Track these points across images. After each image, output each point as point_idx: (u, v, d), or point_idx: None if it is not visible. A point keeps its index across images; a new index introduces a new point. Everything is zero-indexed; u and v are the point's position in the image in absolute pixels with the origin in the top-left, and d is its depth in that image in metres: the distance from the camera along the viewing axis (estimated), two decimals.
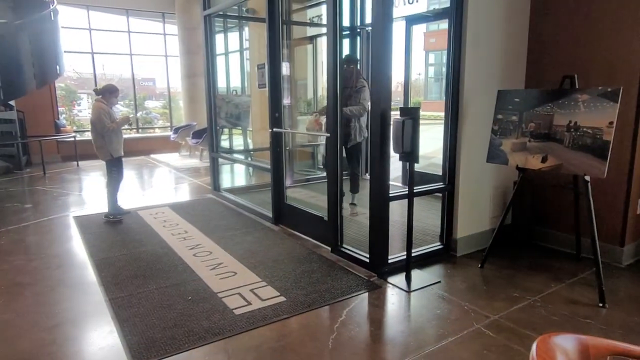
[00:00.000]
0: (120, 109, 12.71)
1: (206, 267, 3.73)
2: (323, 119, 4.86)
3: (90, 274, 3.66)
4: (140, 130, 12.51)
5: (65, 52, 9.23)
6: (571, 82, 3.29)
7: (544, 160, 3.28)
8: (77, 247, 4.34)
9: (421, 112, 3.29)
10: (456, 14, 3.59)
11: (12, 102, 8.75)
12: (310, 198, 6.02)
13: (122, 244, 4.36)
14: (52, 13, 8.42)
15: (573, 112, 3.14)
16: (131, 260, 3.91)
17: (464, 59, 3.63)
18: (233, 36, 10.48)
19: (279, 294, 3.19)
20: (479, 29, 3.66)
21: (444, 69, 3.77)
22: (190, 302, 3.09)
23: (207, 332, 2.68)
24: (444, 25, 4.02)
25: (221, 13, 6.30)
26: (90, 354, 2.54)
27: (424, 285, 3.32)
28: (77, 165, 9.55)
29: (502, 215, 3.68)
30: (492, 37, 3.78)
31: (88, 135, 10.96)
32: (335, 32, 3.70)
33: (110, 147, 5.12)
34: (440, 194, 4.01)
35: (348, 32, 6.80)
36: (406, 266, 3.42)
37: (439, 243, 3.99)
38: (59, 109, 11.27)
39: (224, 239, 4.45)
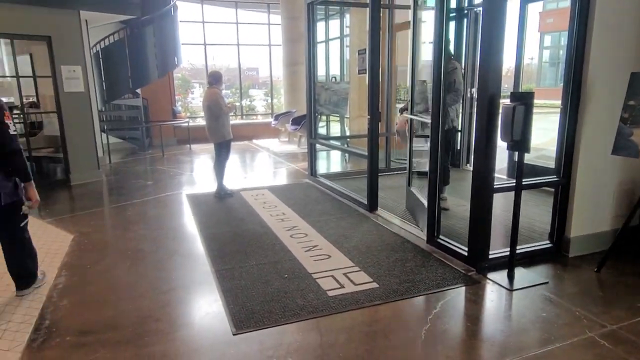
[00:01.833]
0: (227, 96, 13.61)
1: (302, 248, 3.86)
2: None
3: (199, 246, 4.01)
4: (244, 116, 13.29)
5: (182, 44, 10.11)
6: None
7: None
8: (189, 222, 4.77)
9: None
10: None
11: (138, 90, 9.84)
12: (403, 187, 5.89)
13: (226, 221, 4.70)
14: (172, 8, 9.25)
15: None
16: (234, 236, 4.21)
17: (590, 39, 3.22)
18: (333, 24, 10.57)
19: (371, 279, 3.20)
20: (610, 6, 3.21)
21: (562, 52, 3.40)
22: (287, 279, 3.23)
23: (301, 310, 2.79)
24: (563, 3, 3.62)
25: (324, 0, 6.36)
26: (198, 318, 2.80)
27: (529, 284, 3.08)
28: (190, 148, 10.46)
29: (627, 215, 3.24)
30: (624, 14, 3.30)
31: (199, 121, 11.94)
32: (442, 14, 3.53)
33: (224, 130, 5.56)
34: (551, 189, 3.67)
35: (454, 15, 6.46)
36: (509, 262, 3.20)
37: (547, 241, 3.66)
38: (176, 97, 12.43)
39: (319, 222, 4.57)
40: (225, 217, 4.84)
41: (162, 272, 3.49)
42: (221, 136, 5.59)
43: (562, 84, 3.58)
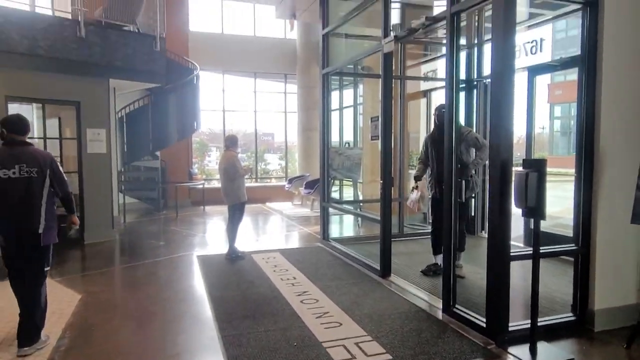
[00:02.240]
0: (243, 160, 13.96)
1: (312, 314, 3.73)
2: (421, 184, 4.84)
3: (207, 309, 3.91)
4: (259, 179, 13.51)
5: (202, 110, 10.58)
6: None
7: None
8: (198, 284, 4.70)
9: (547, 169, 3.03)
10: (589, 61, 3.33)
11: (157, 153, 10.17)
12: (420, 253, 5.78)
13: (236, 284, 4.62)
14: (195, 78, 9.80)
15: None
16: (243, 300, 4.11)
17: (599, 107, 3.29)
18: (347, 93, 11.02)
19: (384, 350, 3.04)
20: (617, 77, 3.32)
21: (572, 122, 3.47)
22: (296, 348, 3.10)
23: None
24: (570, 76, 3.75)
25: (338, 71, 6.69)
26: None
27: None
28: (204, 209, 10.56)
29: None
30: (632, 84, 3.39)
31: (215, 183, 12.15)
32: (452, 85, 3.67)
33: (239, 192, 5.64)
34: (570, 258, 3.56)
35: (464, 85, 6.70)
36: (530, 335, 3.03)
37: (570, 314, 3.48)
38: (193, 159, 12.79)
39: (331, 288, 4.45)
40: (235, 280, 4.76)
41: (168, 335, 3.38)
42: (236, 198, 5.66)
43: (574, 153, 3.60)
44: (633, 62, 3.39)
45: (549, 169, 2.95)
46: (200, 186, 11.06)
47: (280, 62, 12.69)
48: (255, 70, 12.69)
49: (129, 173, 10.33)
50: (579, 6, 3.45)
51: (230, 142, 5.72)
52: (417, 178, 4.90)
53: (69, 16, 6.72)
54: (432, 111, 6.83)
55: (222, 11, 12.58)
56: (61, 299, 4.12)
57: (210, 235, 7.68)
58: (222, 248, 6.14)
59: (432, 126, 5.03)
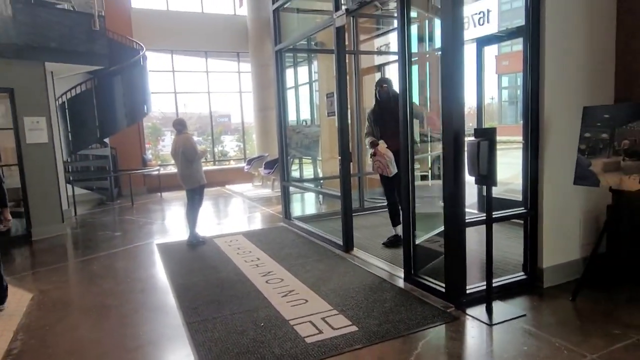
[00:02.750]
0: (196, 139, 13.58)
1: (278, 294, 3.75)
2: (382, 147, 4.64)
3: (170, 298, 3.83)
4: (217, 162, 13.23)
5: (152, 93, 10.13)
6: None
7: None
8: (159, 273, 4.58)
9: (497, 138, 3.12)
10: (532, 32, 3.42)
11: (106, 140, 9.69)
12: (381, 226, 5.90)
13: (199, 270, 4.54)
14: (141, 58, 9.33)
15: None
16: (207, 285, 4.05)
17: (543, 77, 3.42)
18: (302, 70, 10.88)
19: (350, 323, 3.10)
20: (559, 45, 3.44)
21: (519, 92, 3.58)
22: (263, 328, 3.10)
23: None
24: (516, 47, 3.86)
25: (291, 47, 6.56)
26: None
27: (508, 318, 3.06)
28: (161, 196, 10.25)
29: (595, 243, 3.32)
30: (574, 52, 3.53)
31: (171, 169, 11.78)
32: (404, 59, 3.69)
33: (198, 175, 5.50)
34: (521, 221, 3.74)
35: (417, 59, 6.75)
36: (486, 296, 3.18)
37: (522, 273, 3.69)
38: (146, 145, 12.31)
39: (295, 266, 4.47)
40: (198, 266, 4.68)
41: (128, 329, 3.29)
42: (196, 181, 5.51)
43: (522, 122, 3.74)
44: (575, 32, 3.52)
45: (498, 138, 3.05)
46: (156, 172, 10.70)
47: (232, 40, 12.30)
48: (206, 50, 12.24)
49: (76, 163, 9.81)
50: None
51: (181, 126, 5.53)
52: (374, 143, 4.77)
53: None
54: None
55: None
56: (10, 300, 3.89)
57: (170, 222, 7.48)
58: (182, 235, 6.01)
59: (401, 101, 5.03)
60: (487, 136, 2.98)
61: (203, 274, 4.39)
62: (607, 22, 3.69)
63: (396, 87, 4.20)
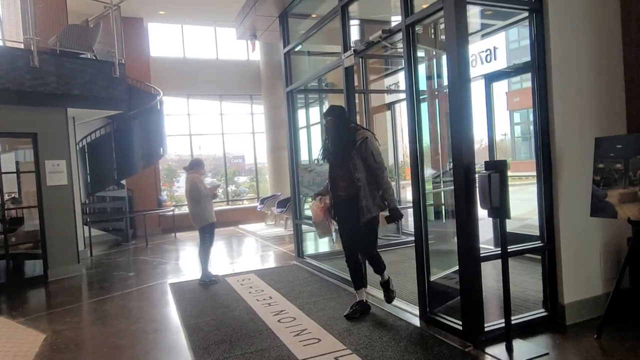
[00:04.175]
0: (210, 180, 13.77)
1: (290, 333, 3.67)
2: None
3: (181, 338, 3.78)
4: (230, 202, 13.34)
5: (167, 135, 10.42)
6: None
7: None
8: (172, 313, 4.54)
9: (511, 173, 3.12)
10: (539, 67, 3.47)
11: (123, 181, 9.90)
12: (394, 263, 5.81)
13: (211, 309, 4.49)
14: (158, 103, 9.67)
15: None
16: (219, 325, 3.99)
17: (552, 111, 3.44)
18: (314, 110, 11.13)
19: None
20: (566, 79, 3.47)
21: (531, 127, 3.59)
22: None
23: None
24: (526, 83, 3.90)
25: (302, 88, 6.74)
26: None
27: (530, 357, 2.93)
28: (175, 236, 10.30)
29: (617, 278, 3.20)
30: (582, 85, 3.56)
31: (185, 209, 11.90)
32: (412, 95, 3.76)
33: (206, 213, 5.54)
34: (539, 256, 3.65)
35: (426, 96, 6.86)
36: (506, 334, 3.06)
37: (542, 310, 3.56)
38: (162, 186, 12.53)
39: (308, 304, 4.39)
40: (210, 305, 4.63)
41: None
42: (204, 220, 5.55)
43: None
44: (580, 65, 3.57)
45: (513, 173, 3.05)
46: (170, 213, 10.81)
47: (245, 83, 12.72)
48: (220, 93, 12.66)
49: (94, 204, 9.99)
50: (526, 14, 3.62)
51: (191, 165, 5.66)
52: (320, 193, 4.14)
53: (22, 46, 6.54)
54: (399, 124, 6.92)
55: (183, 35, 12.55)
56: (24, 341, 3.89)
57: (183, 262, 7.47)
58: (195, 274, 5.98)
59: (401, 138, 4.87)
60: (498, 168, 2.98)
61: (215, 314, 4.33)
62: (614, 55, 3.74)
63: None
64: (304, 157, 10.86)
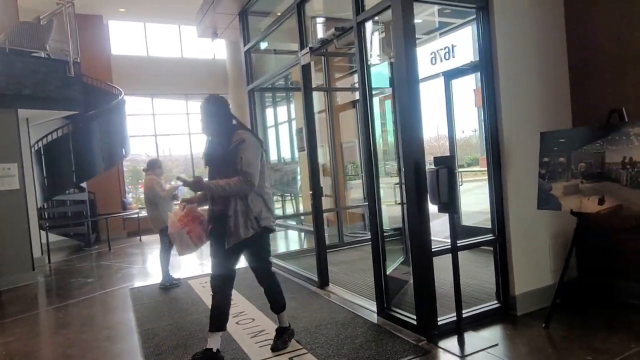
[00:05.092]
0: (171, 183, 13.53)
1: (247, 334, 3.62)
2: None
3: (135, 345, 3.67)
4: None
5: (132, 136, 10.15)
6: (619, 116, 3.04)
7: (601, 202, 2.97)
8: (128, 319, 4.41)
9: (480, 168, 3.16)
10: (486, 64, 3.53)
11: (83, 184, 9.59)
12: (359, 260, 5.83)
13: (169, 314, 4.39)
14: (120, 103, 9.41)
15: (627, 148, 2.87)
16: (175, 329, 3.90)
17: (499, 107, 3.50)
18: (282, 109, 11.07)
19: None
20: (512, 76, 3.54)
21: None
22: None
23: None
24: None
25: (265, 87, 6.68)
26: None
27: (480, 349, 2.98)
28: (140, 240, 10.05)
29: (562, 268, 3.30)
30: (528, 83, 3.64)
31: None
32: (365, 93, 3.76)
33: (164, 215, 5.38)
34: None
35: (390, 94, 6.91)
36: (457, 328, 3.11)
37: (495, 301, 3.63)
38: (126, 188, 12.20)
39: (268, 305, 4.33)
40: (168, 310, 4.53)
41: None
42: (162, 222, 5.39)
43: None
44: (527, 61, 3.65)
45: (482, 168, 3.08)
46: (135, 216, 10.54)
47: (212, 83, 12.50)
48: (186, 92, 12.42)
49: (52, 209, 9.63)
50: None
51: (148, 166, 5.51)
52: (189, 200, 3.31)
53: None
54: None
55: (146, 34, 12.25)
56: None
57: (147, 266, 7.29)
58: (157, 278, 5.84)
59: (362, 135, 3.88)
60: (445, 164, 3.01)
61: (172, 318, 4.23)
62: (559, 52, 3.84)
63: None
64: (273, 156, 10.83)
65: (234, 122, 3.20)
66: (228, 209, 3.00)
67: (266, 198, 3.15)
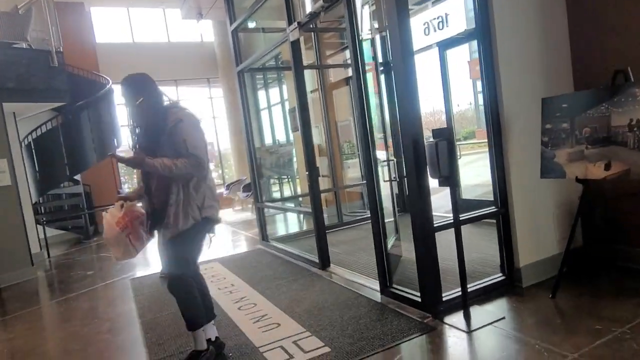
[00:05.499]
0: None
1: (250, 320, 3.57)
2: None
3: (137, 335, 3.62)
4: None
5: (122, 126, 9.96)
6: (625, 77, 2.92)
7: (607, 167, 2.87)
8: (129, 309, 4.36)
9: (476, 140, 3.05)
10: (483, 33, 3.38)
11: (77, 177, 9.45)
12: (360, 239, 5.77)
13: (170, 303, 4.29)
14: (108, 92, 9.19)
15: (633, 109, 2.75)
16: (176, 319, 3.83)
17: (498, 75, 3.37)
18: (274, 91, 10.88)
19: (323, 344, 2.94)
20: (510, 43, 3.40)
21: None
22: (231, 359, 2.92)
23: None
24: None
25: (255, 67, 6.50)
26: None
27: (486, 323, 2.92)
28: None
29: (569, 237, 3.22)
30: (527, 48, 3.50)
31: None
32: (358, 69, 3.61)
33: None
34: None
35: (382, 69, 6.74)
36: (462, 302, 3.06)
37: (500, 274, 3.57)
38: (122, 179, 12.07)
39: (270, 289, 4.30)
40: (169, 299, 4.40)
41: None
42: None
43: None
44: (526, 28, 3.49)
45: (479, 141, 2.97)
46: None
47: (201, 67, 12.26)
48: (175, 78, 12.16)
49: (48, 203, 9.53)
50: None
51: None
52: (124, 198, 2.85)
53: None
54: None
55: (130, 19, 11.92)
56: None
57: (147, 256, 7.22)
58: (158, 267, 5.78)
59: (357, 112, 3.68)
60: (444, 136, 2.90)
61: (174, 307, 4.09)
62: (559, 14, 3.68)
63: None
64: (267, 139, 10.69)
65: (166, 100, 2.84)
66: (169, 198, 2.65)
67: (210, 184, 2.81)
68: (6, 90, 6.18)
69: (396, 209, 4.57)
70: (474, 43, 3.68)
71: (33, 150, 8.43)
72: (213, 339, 2.96)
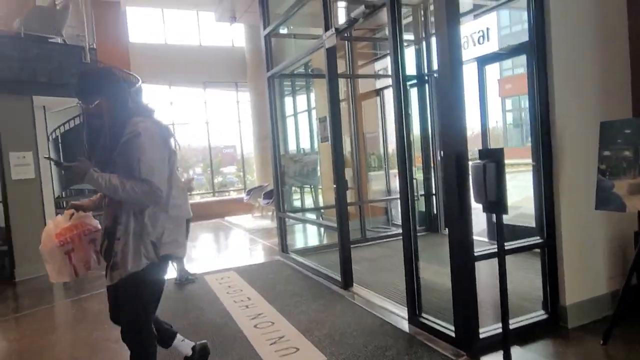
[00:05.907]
0: (196, 174, 13.38)
1: (266, 340, 3.33)
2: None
3: None
4: (216, 194, 12.94)
5: None
6: None
7: None
8: None
9: (509, 160, 2.77)
10: (538, 48, 3.11)
11: None
12: (384, 257, 5.50)
13: (184, 312, 4.14)
14: (137, 90, 9.19)
15: None
16: (190, 331, 3.62)
17: (552, 96, 3.09)
18: (301, 98, 10.73)
19: None
20: (568, 59, 3.12)
21: (523, 114, 3.25)
22: None
23: None
24: (518, 69, 3.52)
25: (284, 73, 6.35)
26: None
27: None
28: None
29: (626, 276, 2.89)
30: (585, 65, 3.21)
31: None
32: (398, 77, 3.38)
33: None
34: (537, 249, 3.33)
35: (415, 82, 6.50)
36: (503, 343, 2.74)
37: (542, 312, 3.25)
38: None
39: (288, 306, 4.06)
40: (183, 308, 4.28)
41: None
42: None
43: (528, 144, 3.39)
44: (583, 42, 3.21)
45: (506, 161, 2.70)
46: None
47: (230, 70, 12.25)
48: (203, 80, 12.18)
49: (70, 197, 9.53)
50: None
51: None
52: (76, 206, 2.45)
53: None
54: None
55: (164, 20, 12.02)
56: None
57: None
58: (173, 272, 5.62)
59: (391, 126, 3.59)
60: (493, 157, 2.63)
61: (187, 317, 3.99)
62: (619, 31, 3.39)
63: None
64: (292, 146, 10.53)
65: (130, 104, 2.24)
66: (117, 226, 2.12)
67: (173, 214, 2.23)
68: (38, 83, 6.17)
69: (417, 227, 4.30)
70: (507, 62, 3.43)
71: (60, 144, 8.45)
72: (190, 354, 2.78)
